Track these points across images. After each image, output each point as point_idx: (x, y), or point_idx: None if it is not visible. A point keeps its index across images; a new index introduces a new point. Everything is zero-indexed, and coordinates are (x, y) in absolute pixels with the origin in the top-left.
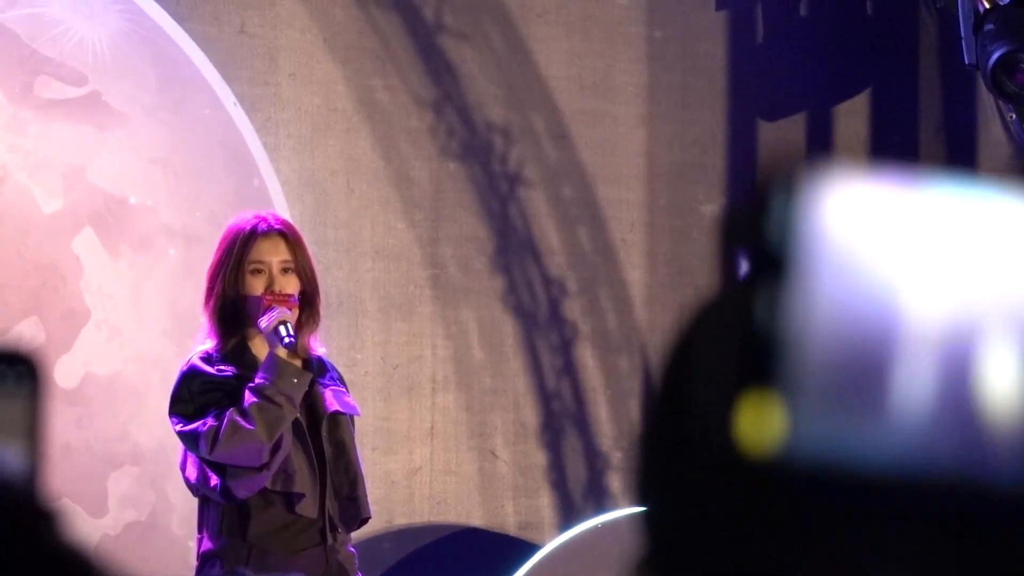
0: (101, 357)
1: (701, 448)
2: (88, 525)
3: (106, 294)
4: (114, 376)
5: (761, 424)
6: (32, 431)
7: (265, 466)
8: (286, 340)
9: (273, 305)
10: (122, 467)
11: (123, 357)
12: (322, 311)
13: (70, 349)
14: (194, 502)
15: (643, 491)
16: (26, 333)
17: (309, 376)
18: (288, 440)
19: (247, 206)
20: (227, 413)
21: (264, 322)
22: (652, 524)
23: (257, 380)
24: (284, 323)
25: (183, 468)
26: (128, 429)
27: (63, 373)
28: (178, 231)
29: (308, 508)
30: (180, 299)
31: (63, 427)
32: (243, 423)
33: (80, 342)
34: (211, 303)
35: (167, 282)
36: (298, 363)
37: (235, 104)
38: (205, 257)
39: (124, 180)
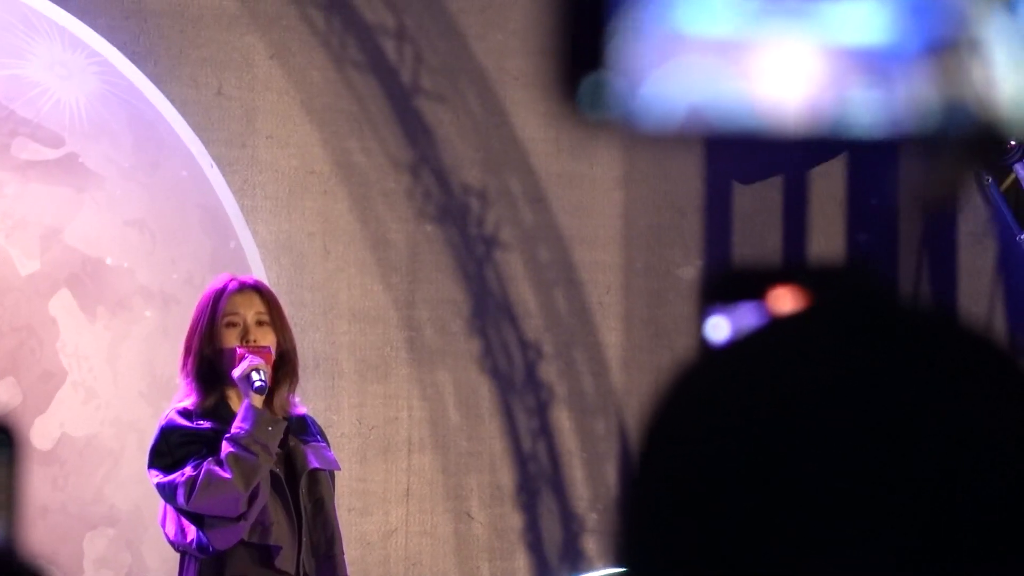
0: (77, 419)
1: (682, 512)
2: None
3: (82, 356)
4: (90, 438)
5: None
6: (10, 496)
7: (242, 516)
8: (256, 384)
9: (246, 355)
10: (98, 528)
11: (99, 419)
12: (299, 370)
13: (46, 411)
14: (171, 564)
15: (624, 553)
16: (2, 395)
17: (283, 424)
18: (265, 490)
19: (224, 268)
20: (204, 463)
21: (237, 371)
22: None
23: (233, 430)
24: (256, 369)
25: (163, 524)
26: (104, 490)
27: (39, 434)
28: (155, 293)
29: (286, 562)
30: (156, 361)
31: (39, 488)
32: (220, 473)
33: (56, 404)
34: (188, 363)
35: (143, 344)
36: (278, 416)
37: (212, 166)
38: (182, 319)
39: (101, 242)
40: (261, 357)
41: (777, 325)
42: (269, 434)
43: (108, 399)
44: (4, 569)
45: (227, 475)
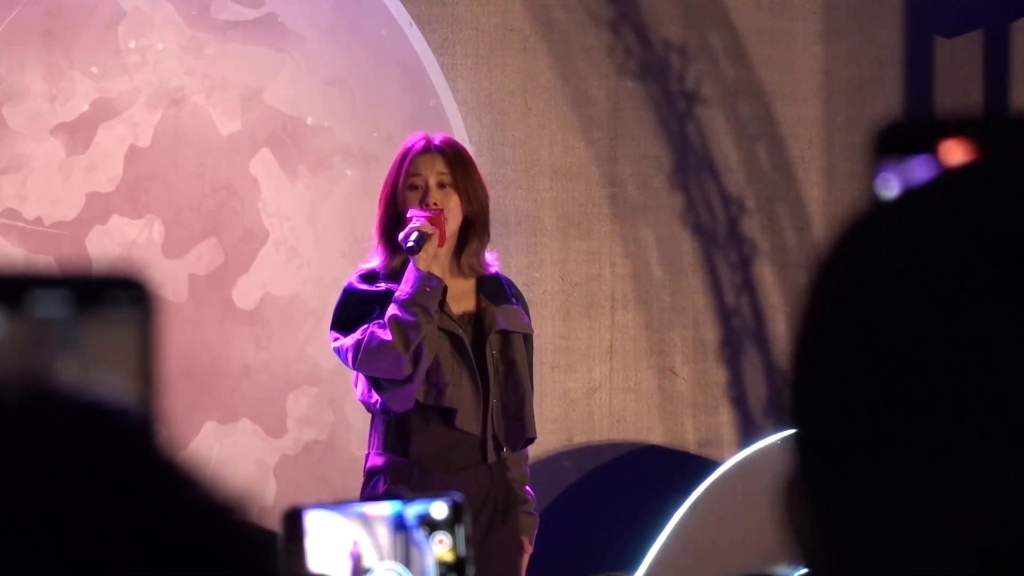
0: (279, 278)
1: (853, 370)
2: (268, 445)
3: (284, 215)
4: (292, 297)
5: None
6: (147, 352)
7: (410, 378)
8: (409, 244)
9: (414, 217)
10: (301, 387)
11: (301, 278)
12: (493, 232)
13: (248, 270)
14: None
15: (795, 412)
16: (205, 254)
17: (441, 285)
18: (430, 352)
19: (424, 126)
20: (370, 326)
21: (402, 235)
22: (805, 446)
23: (397, 292)
24: (417, 230)
25: (355, 384)
26: (306, 350)
27: (241, 294)
28: (355, 152)
29: (468, 423)
30: (357, 220)
31: (242, 348)
32: (380, 334)
33: (258, 263)
34: (378, 223)
35: (344, 203)
36: (470, 280)
37: (411, 24)
38: (382, 177)
39: (301, 101)
40: (428, 219)
41: (948, 179)
42: (427, 295)
43: (310, 258)
44: (136, 437)
45: (387, 337)
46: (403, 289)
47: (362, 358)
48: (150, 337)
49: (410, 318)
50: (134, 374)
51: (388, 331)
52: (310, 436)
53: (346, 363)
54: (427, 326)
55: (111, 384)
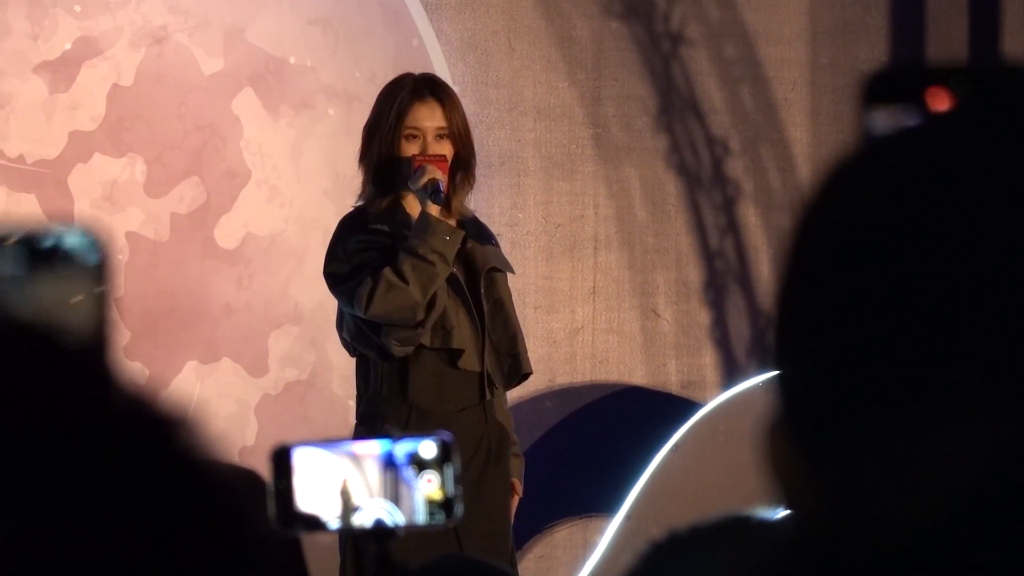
0: (261, 217)
1: (838, 311)
2: (249, 385)
3: (266, 154)
4: (274, 236)
5: None
6: (102, 301)
7: (420, 324)
8: (436, 195)
9: (424, 164)
10: (282, 327)
11: (283, 217)
12: (477, 173)
13: (230, 209)
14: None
15: (779, 353)
16: (187, 193)
17: (461, 234)
18: (443, 297)
19: (407, 66)
20: (382, 272)
21: (416, 183)
22: (788, 387)
23: (410, 239)
24: (435, 181)
25: (340, 328)
26: (288, 289)
27: (223, 233)
28: (338, 91)
29: (470, 362)
30: (340, 159)
31: (223, 287)
32: (397, 281)
33: (240, 202)
34: (366, 161)
35: (327, 142)
36: (452, 222)
37: None
38: (365, 117)
39: (284, 40)
40: (437, 165)
41: (935, 124)
42: (447, 243)
43: (292, 197)
44: (94, 371)
45: (404, 284)
46: (419, 236)
47: (375, 304)
48: (104, 283)
49: (428, 265)
50: (90, 322)
51: (404, 278)
52: (291, 376)
53: (351, 309)
54: (445, 273)
55: (69, 331)
